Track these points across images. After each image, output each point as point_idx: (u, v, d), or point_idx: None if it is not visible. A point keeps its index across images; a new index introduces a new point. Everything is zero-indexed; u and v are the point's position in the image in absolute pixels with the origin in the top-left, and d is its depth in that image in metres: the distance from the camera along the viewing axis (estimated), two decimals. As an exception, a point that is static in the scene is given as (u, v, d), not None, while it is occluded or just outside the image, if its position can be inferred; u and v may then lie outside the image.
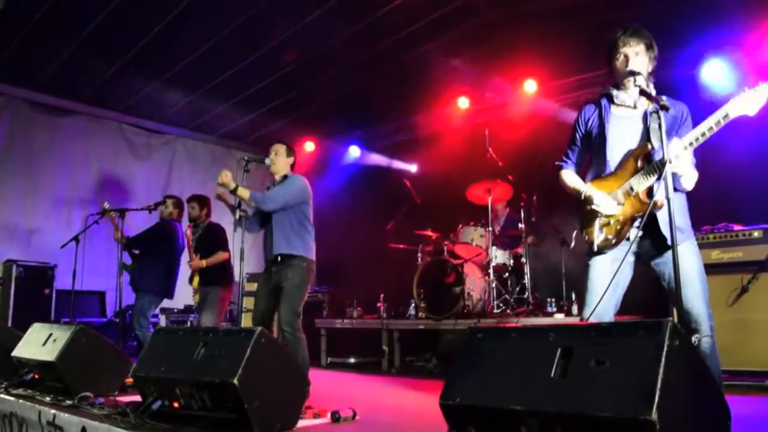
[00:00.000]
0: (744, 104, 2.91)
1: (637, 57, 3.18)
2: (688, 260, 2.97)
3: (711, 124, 2.94)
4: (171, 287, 6.72)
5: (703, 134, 2.94)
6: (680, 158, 2.94)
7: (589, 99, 3.53)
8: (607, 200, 3.19)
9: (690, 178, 3.09)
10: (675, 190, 3.08)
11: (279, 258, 4.89)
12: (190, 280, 6.33)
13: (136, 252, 6.77)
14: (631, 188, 3.13)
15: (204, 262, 6.18)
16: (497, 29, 7.01)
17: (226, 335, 3.28)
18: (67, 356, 4.14)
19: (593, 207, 3.20)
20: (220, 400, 3.07)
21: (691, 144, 2.96)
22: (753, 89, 2.92)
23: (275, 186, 5.13)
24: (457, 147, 8.47)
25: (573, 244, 3.41)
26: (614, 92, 3.30)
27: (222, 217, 6.30)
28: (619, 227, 3.16)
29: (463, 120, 8.63)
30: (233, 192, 4.78)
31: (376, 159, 9.85)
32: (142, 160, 9.49)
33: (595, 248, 3.20)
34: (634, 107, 3.24)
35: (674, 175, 3.02)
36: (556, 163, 3.55)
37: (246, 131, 10.14)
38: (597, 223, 3.22)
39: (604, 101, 3.35)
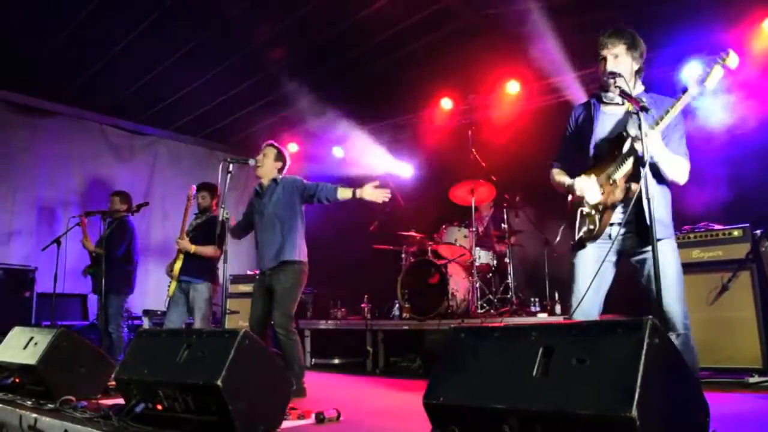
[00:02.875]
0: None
1: (616, 59, 3.25)
2: (667, 260, 3.01)
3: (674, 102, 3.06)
4: (134, 284, 6.94)
5: (667, 112, 3.05)
6: (648, 136, 2.93)
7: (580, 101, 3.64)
8: (588, 184, 3.23)
9: (668, 163, 3.12)
10: (660, 182, 3.14)
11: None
12: (171, 268, 5.95)
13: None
14: (608, 176, 3.19)
15: (193, 247, 5.82)
16: (478, 31, 7.03)
17: (210, 336, 3.27)
18: (49, 360, 4.10)
19: (576, 194, 3.26)
20: (203, 402, 3.05)
21: (657, 122, 3.04)
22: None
23: (269, 190, 5.14)
24: (441, 148, 8.50)
25: (558, 239, 3.47)
26: (602, 93, 3.36)
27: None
28: (599, 216, 3.20)
29: (447, 121, 8.65)
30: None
31: (360, 160, 9.83)
32: (124, 162, 9.40)
33: (577, 238, 3.25)
34: (622, 103, 3.30)
35: (656, 165, 3.07)
36: (549, 161, 3.63)
37: (229, 133, 10.09)
38: (578, 214, 3.27)
39: (593, 100, 3.43)
